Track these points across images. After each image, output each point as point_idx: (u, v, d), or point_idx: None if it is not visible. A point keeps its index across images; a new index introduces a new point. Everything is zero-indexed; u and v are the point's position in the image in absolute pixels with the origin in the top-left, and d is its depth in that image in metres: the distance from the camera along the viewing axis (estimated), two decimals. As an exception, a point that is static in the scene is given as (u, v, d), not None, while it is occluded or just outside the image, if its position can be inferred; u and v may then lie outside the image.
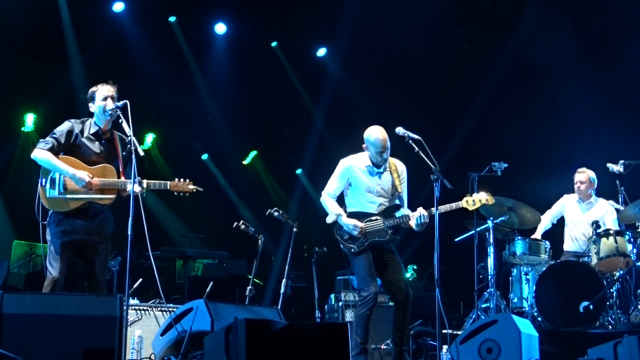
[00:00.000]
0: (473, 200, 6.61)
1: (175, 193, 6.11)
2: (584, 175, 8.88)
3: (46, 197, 5.78)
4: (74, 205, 5.80)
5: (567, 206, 9.09)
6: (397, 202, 6.76)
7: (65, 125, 5.94)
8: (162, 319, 6.36)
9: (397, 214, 6.64)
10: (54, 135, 5.86)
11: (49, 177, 5.79)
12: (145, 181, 5.89)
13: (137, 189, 5.62)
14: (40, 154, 5.77)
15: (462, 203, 6.59)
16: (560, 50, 11.22)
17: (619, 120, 10.95)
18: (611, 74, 11.03)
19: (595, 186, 8.90)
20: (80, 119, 6.04)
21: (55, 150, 5.82)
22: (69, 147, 5.89)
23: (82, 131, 5.95)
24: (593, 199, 8.91)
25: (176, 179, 6.11)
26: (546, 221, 9.14)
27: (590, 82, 11.13)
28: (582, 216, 8.87)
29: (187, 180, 6.15)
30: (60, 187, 5.79)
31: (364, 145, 6.74)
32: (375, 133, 6.63)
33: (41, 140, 5.88)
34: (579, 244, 8.82)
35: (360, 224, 6.56)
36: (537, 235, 9.00)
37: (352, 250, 6.56)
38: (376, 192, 6.70)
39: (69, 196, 5.79)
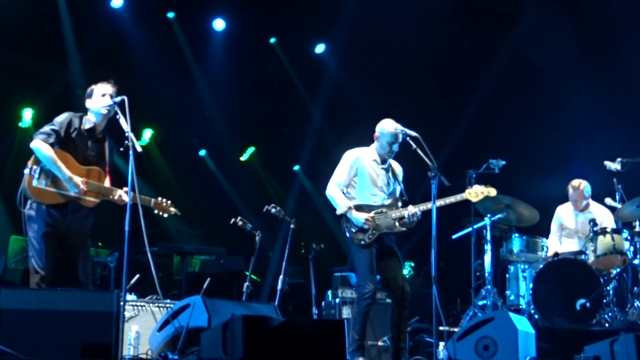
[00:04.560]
0: (476, 193, 6.64)
1: (156, 211, 6.23)
2: (578, 192, 8.74)
3: (32, 185, 5.66)
4: (58, 199, 5.73)
5: (563, 216, 9.00)
6: (398, 196, 6.80)
7: (65, 117, 5.85)
8: (159, 315, 6.35)
9: (401, 207, 6.68)
10: (54, 128, 5.75)
11: (41, 166, 5.68)
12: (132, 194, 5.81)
13: (125, 199, 5.65)
14: (43, 148, 5.64)
15: (465, 195, 6.64)
16: (559, 48, 11.19)
17: (617, 118, 10.95)
18: (610, 72, 11.01)
19: (590, 195, 8.80)
20: (78, 113, 5.97)
21: (55, 144, 5.71)
22: (64, 141, 5.80)
23: (78, 126, 5.87)
24: (589, 207, 8.84)
25: (159, 198, 6.23)
26: (555, 241, 8.97)
27: (588, 80, 11.12)
28: (580, 225, 8.78)
29: (170, 202, 6.29)
30: (50, 179, 5.69)
31: (375, 135, 6.77)
32: (390, 124, 6.69)
33: (41, 130, 5.73)
34: (578, 246, 8.68)
35: (370, 217, 6.57)
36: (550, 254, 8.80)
37: (362, 242, 6.55)
38: (380, 187, 6.73)
39: (54, 190, 5.71)
